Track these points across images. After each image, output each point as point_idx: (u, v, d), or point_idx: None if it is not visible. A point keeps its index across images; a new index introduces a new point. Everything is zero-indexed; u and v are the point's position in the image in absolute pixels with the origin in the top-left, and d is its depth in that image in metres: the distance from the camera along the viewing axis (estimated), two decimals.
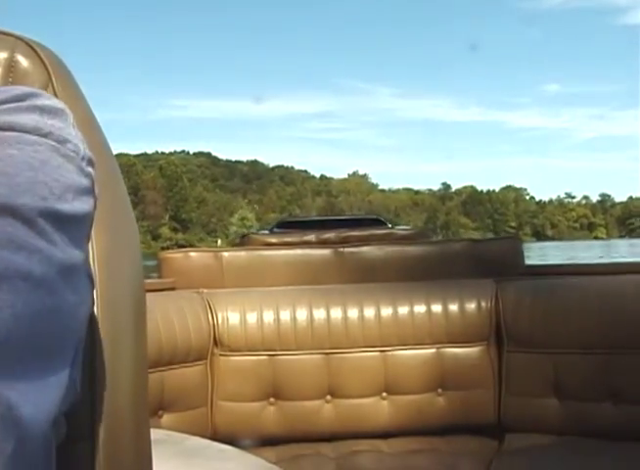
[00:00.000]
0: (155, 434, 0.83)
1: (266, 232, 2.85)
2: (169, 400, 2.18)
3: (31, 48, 0.76)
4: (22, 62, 0.75)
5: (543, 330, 2.29)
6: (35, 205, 0.48)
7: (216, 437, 2.18)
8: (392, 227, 2.95)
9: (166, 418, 2.17)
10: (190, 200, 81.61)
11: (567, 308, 2.27)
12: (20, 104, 0.54)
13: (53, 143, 0.51)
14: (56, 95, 0.75)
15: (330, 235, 2.72)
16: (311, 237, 2.72)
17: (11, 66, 0.75)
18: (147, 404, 0.79)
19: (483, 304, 2.36)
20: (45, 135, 0.51)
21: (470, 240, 2.65)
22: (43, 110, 0.54)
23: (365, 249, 2.57)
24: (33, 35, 0.78)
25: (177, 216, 79.52)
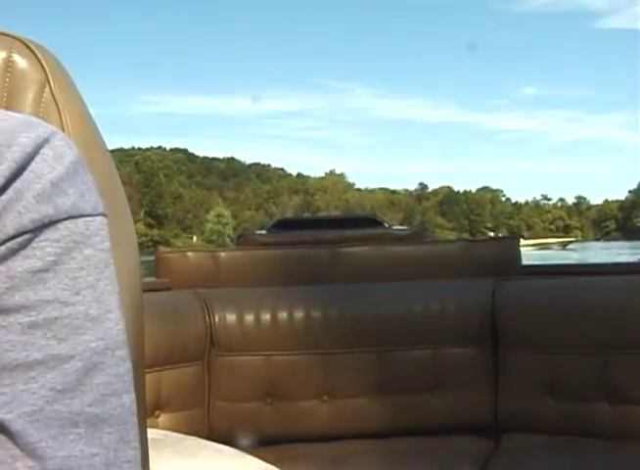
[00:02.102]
0: (152, 434, 0.83)
1: (263, 232, 2.84)
2: (166, 401, 2.18)
3: (28, 48, 0.76)
4: (20, 62, 0.75)
5: (540, 330, 2.29)
6: None
7: (213, 437, 2.17)
8: (389, 227, 2.95)
9: (163, 418, 2.17)
10: (166, 196, 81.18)
11: (563, 309, 2.28)
12: None
13: None
14: (53, 95, 0.75)
15: (327, 235, 2.72)
16: (308, 237, 2.72)
17: (8, 66, 0.75)
18: (144, 404, 0.79)
19: (480, 304, 2.36)
20: None
21: (467, 240, 2.66)
22: None
23: (362, 249, 2.57)
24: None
25: (152, 212, 79.11)
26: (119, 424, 0.49)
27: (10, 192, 0.48)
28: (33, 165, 0.49)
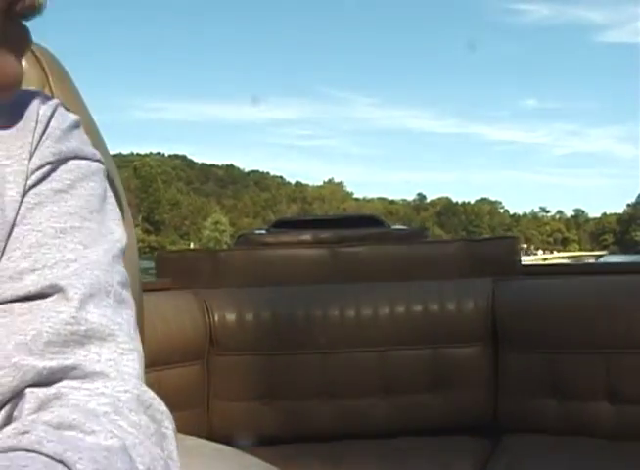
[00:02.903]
0: None
1: (263, 232, 2.85)
2: (166, 400, 2.16)
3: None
4: None
5: (540, 330, 2.29)
6: None
7: (213, 436, 2.17)
8: (389, 227, 2.95)
9: None
10: (163, 202, 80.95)
11: (563, 308, 2.27)
12: None
13: None
14: (53, 95, 0.75)
15: (326, 235, 2.71)
16: (308, 237, 2.72)
17: None
18: None
19: (480, 303, 2.36)
20: None
21: (466, 240, 2.66)
22: None
23: (362, 248, 2.57)
24: None
25: (150, 218, 78.94)
26: (130, 308, 0.62)
27: (42, 142, 0.63)
28: (52, 123, 0.64)
